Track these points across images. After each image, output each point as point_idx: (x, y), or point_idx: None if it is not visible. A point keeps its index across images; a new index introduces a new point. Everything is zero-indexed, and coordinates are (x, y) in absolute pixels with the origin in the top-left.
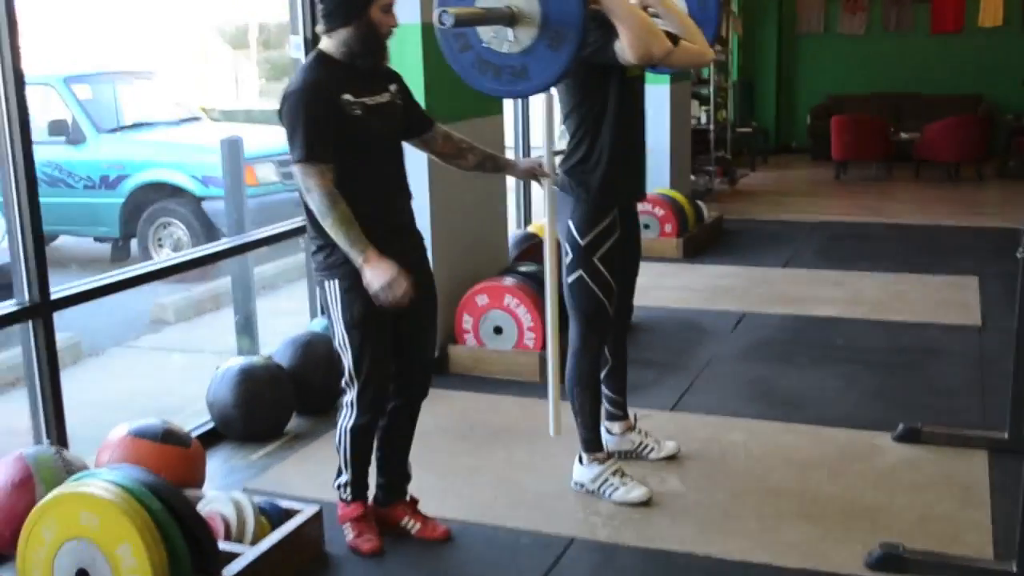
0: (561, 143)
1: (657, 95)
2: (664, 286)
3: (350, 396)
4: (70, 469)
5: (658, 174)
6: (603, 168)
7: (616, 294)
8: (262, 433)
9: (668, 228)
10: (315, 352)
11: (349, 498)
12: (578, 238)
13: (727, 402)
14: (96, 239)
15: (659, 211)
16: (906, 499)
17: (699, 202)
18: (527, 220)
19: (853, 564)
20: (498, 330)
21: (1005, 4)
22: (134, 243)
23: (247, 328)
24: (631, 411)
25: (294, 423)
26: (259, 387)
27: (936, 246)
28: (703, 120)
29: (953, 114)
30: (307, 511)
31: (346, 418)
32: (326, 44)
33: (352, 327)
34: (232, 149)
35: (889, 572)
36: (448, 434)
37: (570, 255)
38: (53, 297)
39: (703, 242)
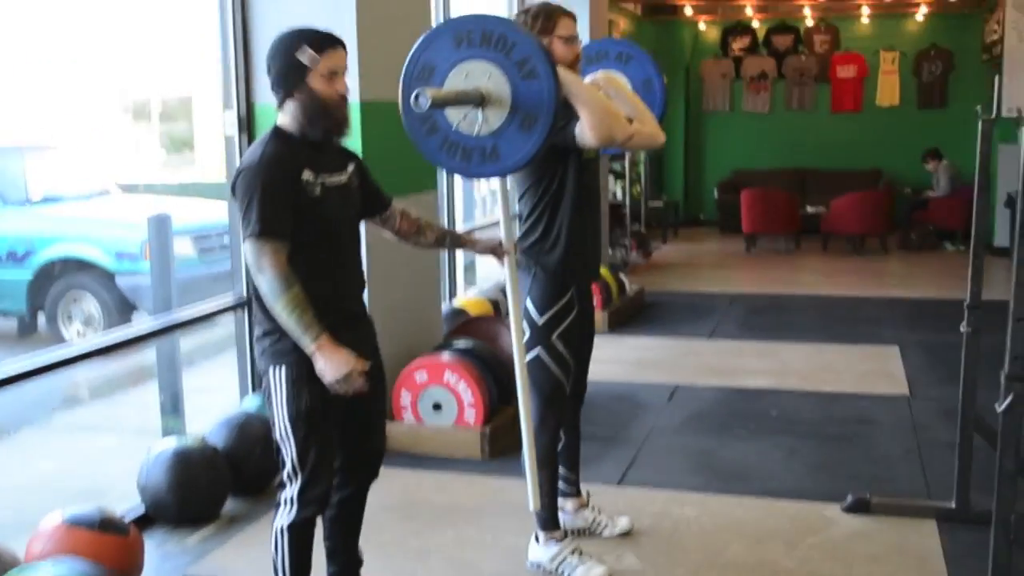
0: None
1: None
2: (594, 359)
3: (290, 492)
4: (1, 561)
5: None
6: (561, 248)
7: (572, 372)
8: (197, 516)
9: (593, 301)
10: (251, 432)
11: None
12: (536, 316)
13: (673, 476)
14: (1, 314)
15: None
16: (864, 571)
17: (621, 275)
18: (451, 294)
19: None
20: (437, 406)
21: (901, 85)
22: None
23: (174, 407)
24: (583, 488)
25: (229, 505)
26: (195, 470)
27: (853, 317)
28: (618, 195)
29: (854, 188)
30: None
31: (283, 516)
32: (281, 119)
33: (297, 419)
34: (160, 226)
35: None
36: (392, 514)
37: (527, 333)
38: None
39: (627, 314)
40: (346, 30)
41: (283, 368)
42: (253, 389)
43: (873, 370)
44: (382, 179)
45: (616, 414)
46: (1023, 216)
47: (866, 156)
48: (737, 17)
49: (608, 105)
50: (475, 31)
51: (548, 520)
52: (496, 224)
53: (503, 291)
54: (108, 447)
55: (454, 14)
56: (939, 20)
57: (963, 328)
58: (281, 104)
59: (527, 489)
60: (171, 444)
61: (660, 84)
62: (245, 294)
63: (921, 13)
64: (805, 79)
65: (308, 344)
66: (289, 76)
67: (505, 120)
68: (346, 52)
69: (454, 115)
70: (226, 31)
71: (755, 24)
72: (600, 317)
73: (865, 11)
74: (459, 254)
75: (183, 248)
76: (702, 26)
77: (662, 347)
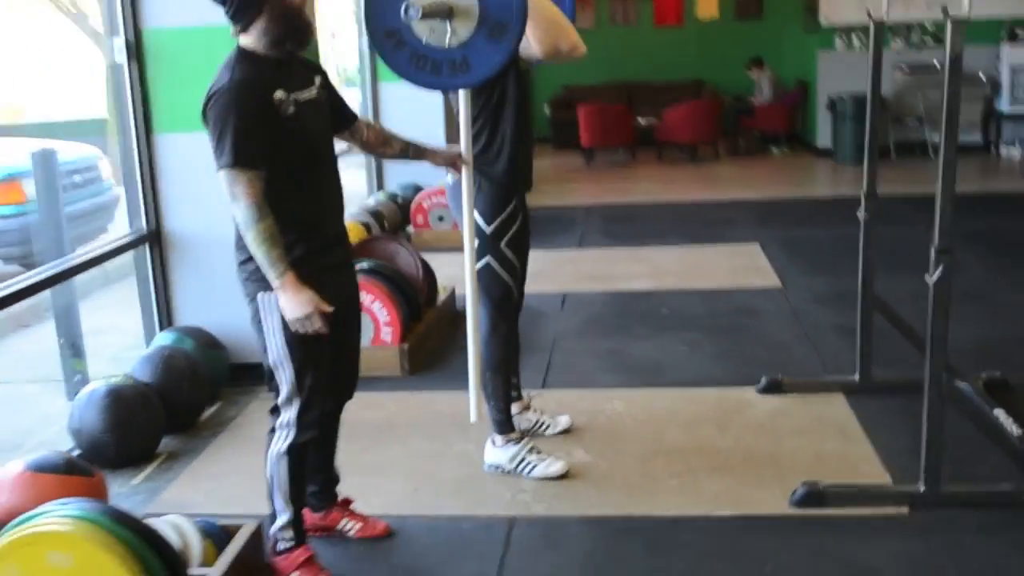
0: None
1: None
2: None
3: (288, 415)
4: None
5: (439, 168)
6: (505, 158)
7: (519, 277)
8: (136, 457)
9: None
10: (176, 367)
11: (292, 544)
12: (484, 226)
13: (590, 376)
14: None
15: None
16: (794, 443)
17: None
18: None
19: (779, 505)
20: None
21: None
22: None
23: (76, 350)
24: (524, 392)
25: (164, 443)
26: (131, 409)
27: (706, 219)
28: None
29: (679, 99)
30: (248, 527)
31: (281, 441)
32: (245, 40)
33: (293, 342)
34: (45, 162)
35: (813, 507)
36: None
37: (476, 242)
38: None
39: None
40: None
41: (273, 295)
42: (161, 327)
43: (742, 265)
44: None
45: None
46: (948, 113)
47: (689, 67)
48: None
49: (556, 16)
50: None
51: (504, 423)
52: None
53: (371, 213)
54: (7, 397)
55: None
56: None
57: (860, 215)
58: (246, 26)
59: (469, 400)
60: (102, 384)
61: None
62: (146, 229)
63: None
64: None
65: (274, 279)
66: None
67: (474, 31)
68: None
69: (422, 28)
70: None
71: None
72: None
73: None
74: None
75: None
76: None
77: (538, 258)
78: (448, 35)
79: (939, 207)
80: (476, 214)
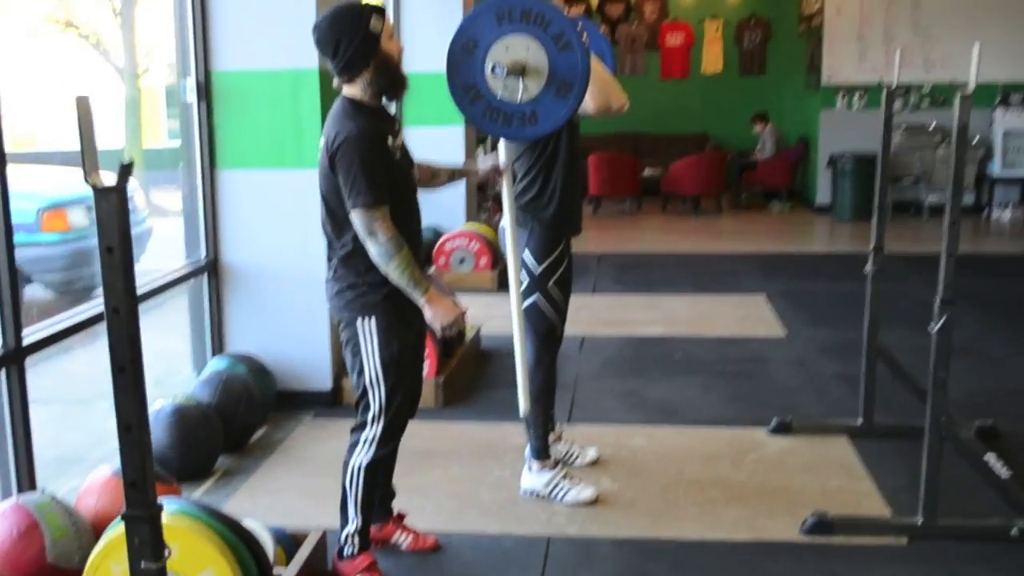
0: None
1: (452, 136)
2: (497, 316)
3: (371, 432)
4: (70, 513)
5: (453, 212)
6: (556, 203)
7: (564, 315)
8: (196, 472)
9: (483, 262)
10: (234, 390)
11: (356, 550)
12: (533, 266)
13: (612, 413)
14: None
15: (474, 245)
16: (803, 479)
17: None
18: None
19: (791, 532)
20: None
21: (724, 54)
22: None
23: None
24: (557, 423)
25: (220, 461)
26: (193, 427)
27: (713, 270)
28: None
29: (683, 151)
30: (315, 534)
31: (362, 454)
32: (351, 91)
33: (389, 365)
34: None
35: (822, 535)
36: None
37: (526, 281)
38: (25, 343)
39: None
40: (307, 6)
41: (373, 319)
42: (213, 352)
43: (748, 315)
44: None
45: None
46: (955, 176)
47: (694, 120)
48: None
49: (607, 76)
50: (516, 9)
51: (541, 450)
52: None
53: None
54: (62, 415)
55: None
56: None
57: (868, 268)
58: (353, 77)
59: (519, 395)
60: (167, 403)
61: (610, 57)
62: (205, 260)
63: None
64: (636, 46)
65: (419, 297)
66: (367, 47)
67: (543, 88)
68: None
69: (496, 85)
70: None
71: None
72: (490, 277)
73: None
74: None
75: (78, 218)
76: None
77: None
78: (520, 91)
79: (944, 262)
80: (527, 254)
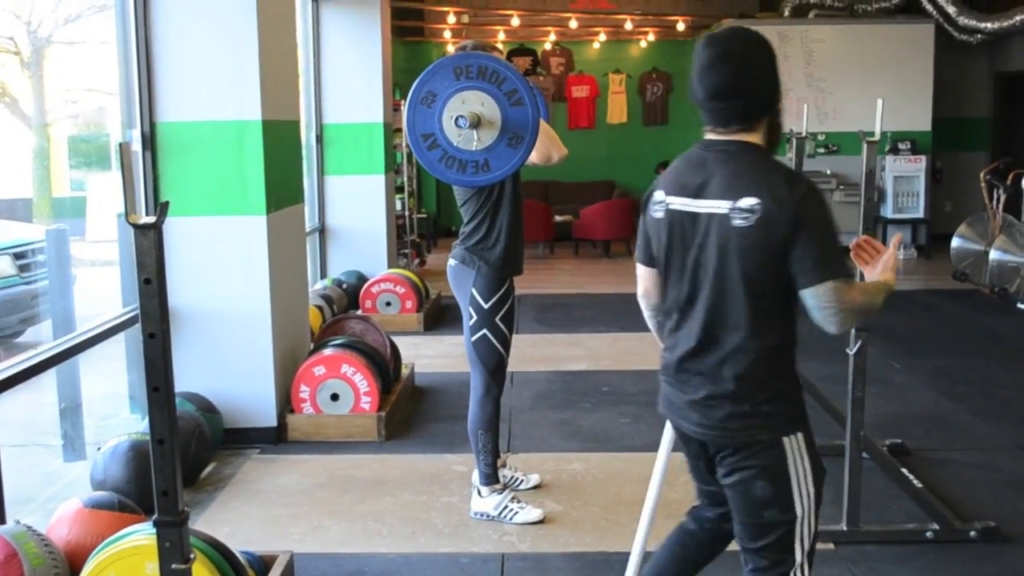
0: None
1: (374, 184)
2: (427, 355)
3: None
4: (46, 543)
5: (377, 256)
6: (501, 245)
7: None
8: (153, 506)
9: (409, 304)
10: (186, 428)
11: None
12: (482, 303)
13: (549, 442)
14: None
15: (400, 289)
16: None
17: (425, 280)
18: None
19: (731, 545)
20: (335, 397)
21: (628, 105)
22: None
23: (74, 414)
24: (501, 452)
25: None
26: (149, 462)
27: (628, 310)
28: (398, 207)
29: (591, 198)
30: (284, 555)
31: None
32: (752, 139)
33: (817, 497)
34: (58, 240)
35: None
36: (329, 490)
37: (474, 317)
38: None
39: (435, 316)
40: (247, 56)
41: (801, 436)
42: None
43: None
44: (272, 190)
45: None
46: (865, 215)
47: (601, 168)
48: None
49: (550, 130)
50: (473, 67)
51: (490, 476)
52: None
53: (322, 297)
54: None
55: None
56: (661, 46)
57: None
58: (755, 125)
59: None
60: (123, 439)
61: (543, 106)
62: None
63: (646, 40)
64: (544, 97)
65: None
66: (778, 84)
67: (496, 139)
68: None
69: (453, 134)
70: (128, 52)
71: (499, 47)
72: (415, 319)
73: (602, 37)
74: None
75: (3, 266)
76: (450, 48)
77: None
78: (475, 141)
79: None
80: (475, 292)
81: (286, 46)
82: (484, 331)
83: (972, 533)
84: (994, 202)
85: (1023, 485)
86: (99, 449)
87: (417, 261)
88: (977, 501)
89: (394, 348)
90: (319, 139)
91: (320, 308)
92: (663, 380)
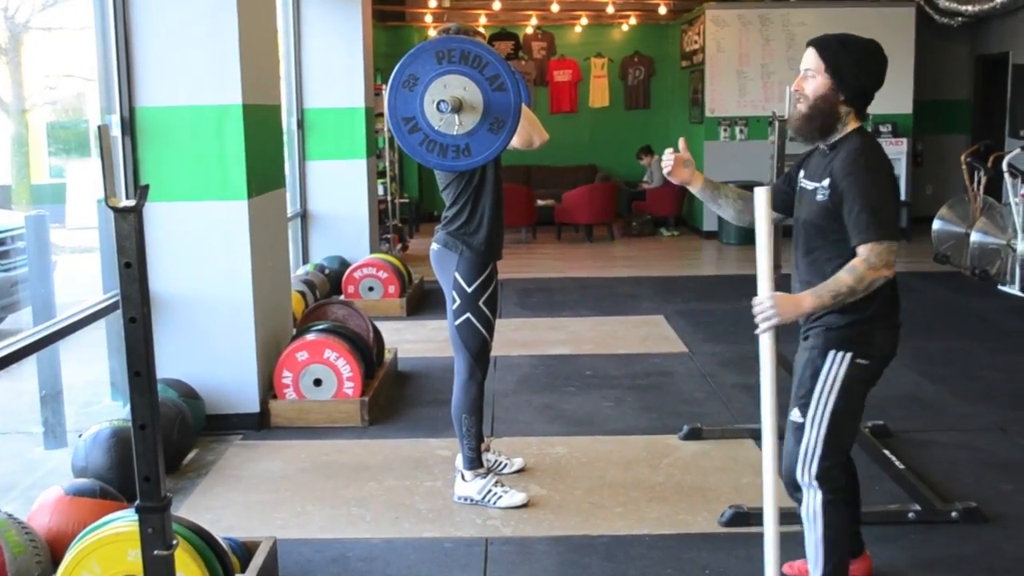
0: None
1: (356, 169)
2: (410, 340)
3: (815, 473)
4: (27, 531)
5: (359, 241)
6: (484, 230)
7: (493, 331)
8: (135, 493)
9: (392, 289)
10: (168, 414)
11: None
12: (465, 287)
13: (532, 426)
14: None
15: (382, 274)
16: (717, 478)
17: (407, 265)
18: None
19: (711, 525)
20: (318, 382)
21: (610, 89)
22: None
23: (55, 401)
24: (485, 436)
25: None
26: (131, 449)
27: (611, 294)
28: (381, 192)
29: (574, 182)
30: (267, 542)
31: (815, 500)
32: (856, 125)
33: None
34: (38, 226)
35: (739, 526)
36: (314, 475)
37: (458, 301)
38: None
39: (417, 301)
40: (227, 39)
41: (851, 353)
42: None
43: (651, 334)
44: (254, 175)
45: None
46: None
47: (583, 152)
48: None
49: (532, 117)
50: (455, 51)
51: (474, 460)
52: None
53: (304, 283)
54: None
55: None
56: (642, 30)
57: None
58: (865, 109)
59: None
60: (105, 426)
61: (525, 90)
62: None
63: (627, 24)
64: (526, 81)
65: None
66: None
67: (477, 123)
68: None
69: (434, 117)
70: (107, 36)
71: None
72: (398, 304)
73: (583, 21)
74: None
75: None
76: (432, 32)
77: None
78: (456, 125)
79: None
80: (458, 276)
81: (266, 30)
82: (468, 315)
83: (953, 514)
84: (975, 184)
85: (1004, 466)
86: (80, 436)
87: (399, 246)
88: (958, 482)
89: (377, 333)
90: (300, 124)
91: (302, 293)
92: None
